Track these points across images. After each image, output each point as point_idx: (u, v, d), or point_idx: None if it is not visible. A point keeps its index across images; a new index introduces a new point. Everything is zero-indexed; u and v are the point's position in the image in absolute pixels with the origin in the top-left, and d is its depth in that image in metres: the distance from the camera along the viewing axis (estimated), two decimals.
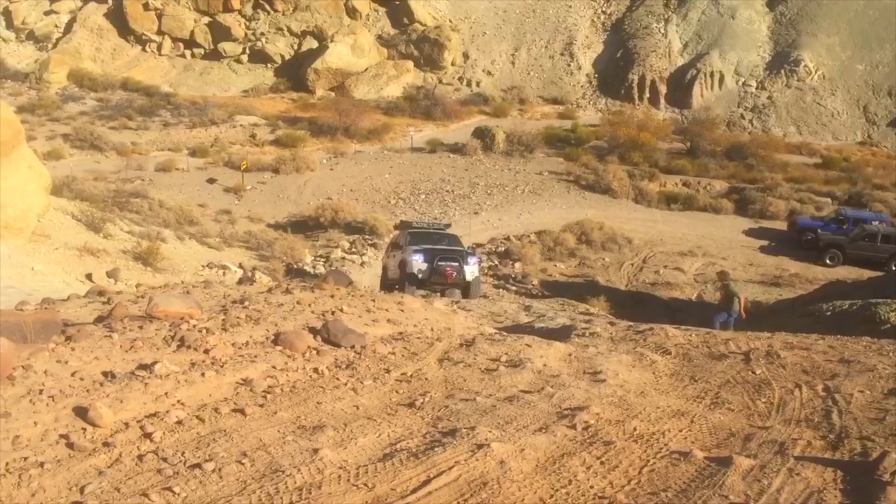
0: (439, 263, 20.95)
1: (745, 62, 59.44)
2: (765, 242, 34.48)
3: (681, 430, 5.78)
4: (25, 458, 4.73)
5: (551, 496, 4.50)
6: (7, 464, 4.63)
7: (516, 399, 6.52)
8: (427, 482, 4.60)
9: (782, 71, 58.04)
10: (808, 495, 4.48)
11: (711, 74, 58.29)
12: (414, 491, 4.50)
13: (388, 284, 22.53)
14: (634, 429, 5.73)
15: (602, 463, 5.02)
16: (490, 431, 5.49)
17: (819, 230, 33.05)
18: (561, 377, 7.44)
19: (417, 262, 20.96)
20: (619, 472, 4.89)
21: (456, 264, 21.20)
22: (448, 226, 26.31)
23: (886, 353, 8.99)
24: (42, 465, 4.67)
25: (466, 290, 21.35)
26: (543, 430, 5.63)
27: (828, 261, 31.82)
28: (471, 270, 21.55)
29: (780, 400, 6.78)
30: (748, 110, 57.16)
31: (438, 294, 20.95)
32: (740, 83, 58.77)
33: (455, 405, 6.32)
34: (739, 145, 47.65)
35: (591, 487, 4.63)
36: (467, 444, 5.19)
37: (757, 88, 58.21)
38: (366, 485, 4.57)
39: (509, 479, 4.68)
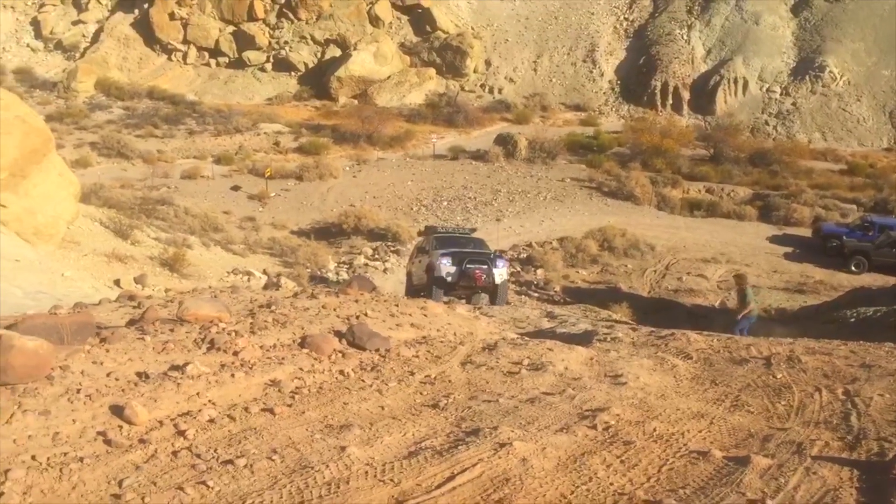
0: (468, 266, 20.39)
1: (769, 68, 59.20)
2: (789, 249, 34.29)
3: (700, 431, 5.88)
4: (65, 454, 4.92)
5: (572, 492, 4.62)
6: (48, 458, 4.83)
7: (538, 400, 6.65)
8: (451, 478, 4.74)
9: (807, 77, 57.75)
10: (825, 493, 4.58)
11: (735, 80, 58.12)
12: (439, 486, 4.63)
13: (413, 291, 22.15)
14: (654, 429, 5.83)
15: (622, 462, 5.14)
16: (512, 431, 5.61)
17: (844, 237, 32.80)
18: (582, 380, 7.55)
19: (446, 266, 20.41)
20: (639, 470, 5.00)
21: (485, 267, 20.61)
22: (474, 230, 26.01)
23: None
24: (81, 460, 4.86)
25: (494, 294, 20.82)
26: (565, 430, 5.75)
27: (853, 268, 31.61)
28: (500, 274, 20.97)
29: (799, 403, 6.86)
30: (772, 116, 56.89)
31: (464, 300, 20.66)
32: (764, 89, 58.52)
33: (478, 406, 6.46)
34: (763, 151, 47.44)
35: (611, 484, 4.75)
36: (490, 442, 5.33)
37: (781, 94, 57.94)
38: (392, 480, 4.72)
39: (531, 475, 4.81)
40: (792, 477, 4.80)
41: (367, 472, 4.84)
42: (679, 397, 7.06)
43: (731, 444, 5.60)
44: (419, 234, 26.80)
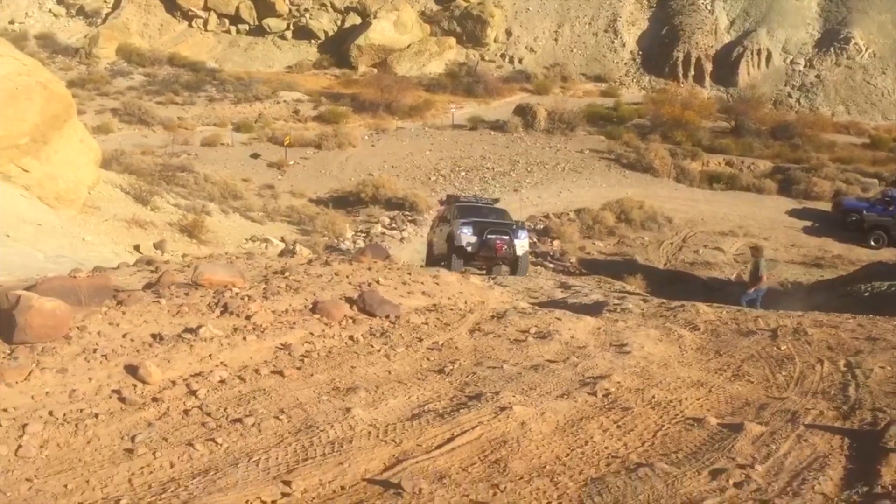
0: (489, 236, 20.06)
1: (793, 40, 58.36)
2: (808, 223, 34.10)
3: (698, 399, 6.01)
4: (81, 410, 5.13)
5: (567, 454, 4.77)
6: (65, 414, 5.03)
7: (542, 367, 6.79)
8: (451, 439, 4.90)
9: (832, 49, 56.89)
10: (814, 459, 4.69)
11: (758, 52, 57.31)
12: (439, 447, 4.80)
13: (433, 260, 21.85)
14: (653, 396, 5.97)
15: (619, 427, 5.28)
16: (514, 396, 5.77)
17: (864, 211, 32.56)
18: (587, 348, 7.69)
19: (466, 235, 20.05)
20: (634, 435, 5.14)
21: (507, 238, 20.26)
22: (497, 200, 25.60)
23: None
24: (96, 416, 5.07)
25: (515, 265, 20.55)
26: (565, 396, 5.90)
27: (872, 243, 31.44)
28: (521, 245, 20.65)
29: (800, 373, 6.96)
30: (795, 89, 56.19)
31: (484, 270, 20.59)
32: (788, 61, 57.73)
33: (482, 372, 6.62)
34: (785, 124, 46.94)
35: (606, 448, 4.90)
36: (491, 406, 5.48)
37: (805, 67, 57.15)
38: (393, 440, 4.89)
39: (529, 438, 4.96)
40: (783, 444, 4.92)
41: (369, 433, 5.01)
42: (681, 366, 7.18)
43: (727, 412, 5.73)
44: (440, 202, 26.47)
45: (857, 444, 4.95)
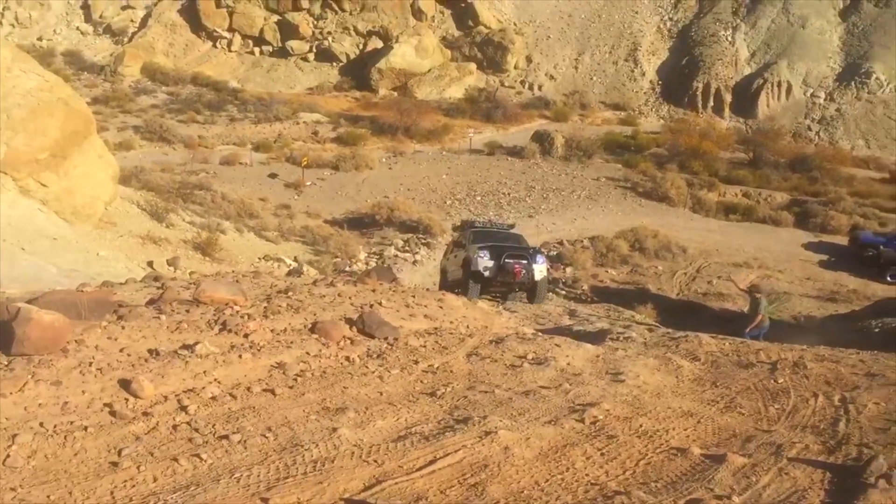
0: (507, 261, 19.33)
1: (814, 73, 58.31)
2: (824, 257, 33.81)
3: (685, 430, 6.01)
4: (72, 422, 5.22)
5: (547, 480, 4.80)
6: (55, 426, 5.12)
7: (533, 393, 6.82)
8: (433, 462, 4.94)
9: (853, 82, 56.78)
10: (792, 493, 4.69)
11: (779, 84, 57.31)
12: (419, 469, 4.84)
13: (447, 288, 20.90)
14: (640, 426, 5.98)
15: (602, 454, 5.30)
16: (501, 421, 5.80)
17: (882, 246, 32.28)
18: (582, 376, 7.71)
19: (483, 259, 19.37)
20: (617, 463, 5.16)
21: (524, 262, 19.53)
22: (513, 225, 25.01)
23: None
24: (86, 428, 5.15)
25: (533, 291, 19.97)
26: (553, 422, 5.92)
27: (889, 278, 31.11)
28: (539, 270, 19.87)
29: (792, 407, 6.94)
30: (815, 122, 56.05)
31: (499, 297, 20.25)
32: (808, 94, 57.65)
33: (474, 396, 6.65)
34: (804, 157, 46.72)
35: (587, 475, 4.92)
36: (477, 430, 5.52)
37: (825, 100, 57.04)
38: (376, 461, 4.93)
39: (510, 463, 4.99)
40: (764, 476, 4.92)
41: (353, 453, 5.06)
42: (674, 397, 7.18)
43: (712, 443, 5.73)
44: (454, 228, 26.16)
45: (838, 478, 4.94)
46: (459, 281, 20.34)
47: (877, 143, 54.20)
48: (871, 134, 54.72)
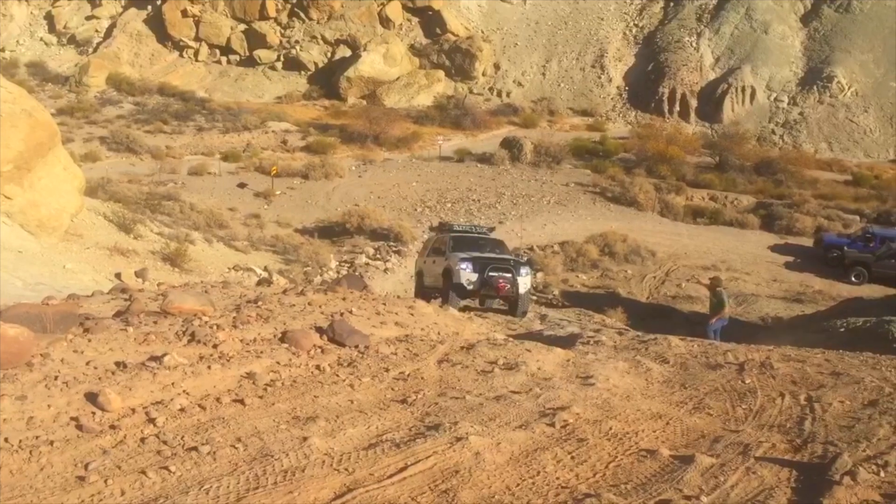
0: (491, 274, 18.67)
1: (777, 77, 59.19)
2: (790, 258, 34.33)
3: (654, 431, 6.07)
4: (37, 437, 5.14)
5: (517, 485, 4.82)
6: (20, 441, 5.04)
7: (504, 398, 6.84)
8: (404, 469, 4.94)
9: (815, 87, 57.71)
10: (760, 491, 4.76)
11: (743, 89, 58.10)
12: (390, 476, 4.84)
13: (424, 290, 20.72)
14: (610, 428, 6.02)
15: (572, 458, 5.33)
16: (472, 426, 5.81)
17: (845, 247, 32.81)
18: (552, 380, 7.74)
19: (466, 272, 18.64)
20: (587, 466, 5.19)
21: (509, 276, 18.86)
22: (492, 229, 24.01)
23: (879, 368, 9.15)
24: (52, 443, 5.08)
25: (515, 304, 19.28)
26: (523, 427, 5.94)
27: (853, 278, 31.64)
28: (523, 283, 19.21)
29: (760, 407, 7.03)
30: (779, 126, 56.88)
31: (477, 302, 19.90)
32: (772, 98, 58.51)
33: (445, 402, 6.66)
34: (769, 161, 47.40)
35: (557, 479, 4.94)
36: (448, 437, 5.52)
37: (788, 104, 57.92)
38: (346, 469, 4.92)
39: (481, 468, 5.00)
40: (732, 476, 4.98)
41: (323, 462, 5.04)
42: (644, 399, 7.24)
43: (681, 444, 5.79)
44: (431, 228, 25.17)
45: (804, 476, 5.02)
46: (441, 290, 19.69)
47: (839, 145, 55.13)
48: (833, 137, 55.65)
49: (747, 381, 8.14)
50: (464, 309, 18.51)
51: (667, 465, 5.20)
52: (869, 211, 41.07)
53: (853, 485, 4.78)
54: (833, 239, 34.46)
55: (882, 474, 5.05)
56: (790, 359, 9.74)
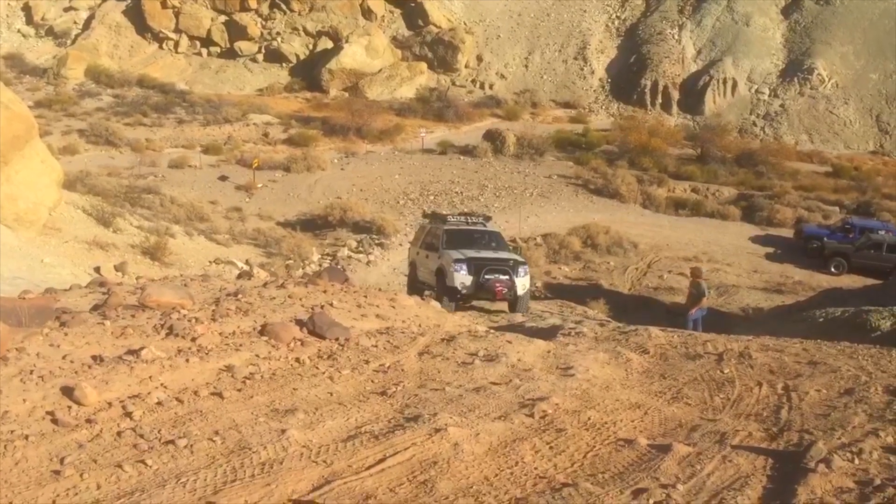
0: (487, 277, 17.77)
1: (758, 69, 59.47)
2: (770, 250, 34.58)
3: (633, 421, 6.10)
4: (12, 431, 5.10)
5: (496, 475, 4.83)
6: None
7: (484, 390, 6.85)
8: (382, 460, 4.94)
9: (795, 79, 58.03)
10: (735, 479, 4.79)
11: (724, 81, 58.35)
12: (368, 468, 4.83)
13: (417, 285, 19.89)
14: (589, 418, 6.05)
15: (551, 448, 5.35)
16: (451, 417, 5.81)
17: (825, 238, 33.11)
18: (532, 371, 7.76)
19: (460, 275, 17.68)
20: (565, 456, 5.21)
21: (506, 278, 17.99)
22: (489, 219, 22.35)
23: (856, 357, 9.24)
24: (27, 437, 5.03)
25: (514, 303, 18.43)
26: (502, 418, 5.96)
27: (833, 269, 31.90)
28: (522, 283, 18.36)
29: (737, 396, 7.08)
30: (760, 117, 57.17)
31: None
32: (753, 90, 58.79)
33: (424, 394, 6.66)
34: (750, 152, 47.64)
35: (536, 469, 4.96)
36: (427, 428, 5.52)
37: (770, 96, 58.23)
38: (325, 461, 4.91)
39: (460, 459, 5.01)
40: (708, 464, 5.02)
41: (302, 454, 5.03)
42: (623, 389, 7.28)
43: (659, 434, 5.82)
44: (424, 215, 24.24)
45: (779, 464, 5.06)
46: (431, 285, 19.15)
47: (820, 137, 55.49)
48: (814, 129, 56.01)
49: (726, 371, 8.19)
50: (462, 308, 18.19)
51: (644, 455, 5.23)
52: (848, 202, 41.43)
53: (828, 472, 4.83)
54: (813, 230, 34.77)
55: (856, 462, 5.10)
56: (768, 349, 9.82)
